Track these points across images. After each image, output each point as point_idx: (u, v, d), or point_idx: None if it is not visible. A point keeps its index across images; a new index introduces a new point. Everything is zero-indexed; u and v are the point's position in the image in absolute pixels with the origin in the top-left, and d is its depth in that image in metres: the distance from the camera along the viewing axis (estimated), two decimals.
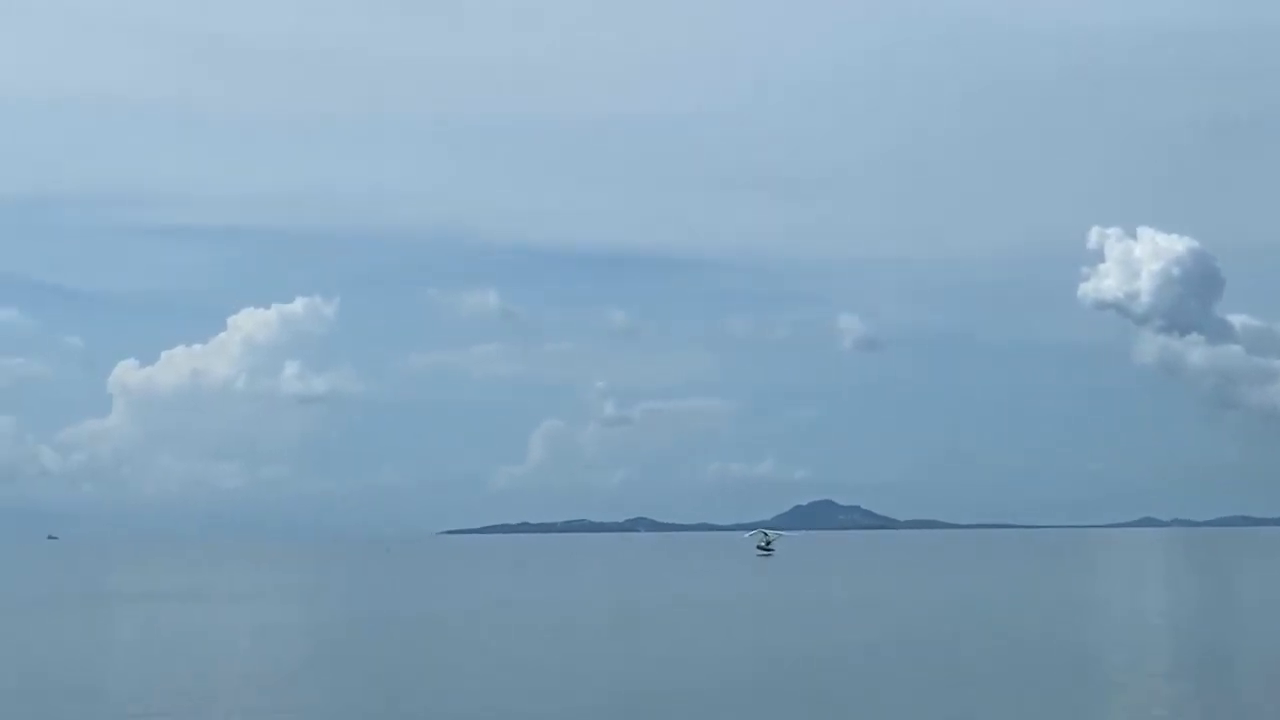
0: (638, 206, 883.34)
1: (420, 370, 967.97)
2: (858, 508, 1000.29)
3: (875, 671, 62.18)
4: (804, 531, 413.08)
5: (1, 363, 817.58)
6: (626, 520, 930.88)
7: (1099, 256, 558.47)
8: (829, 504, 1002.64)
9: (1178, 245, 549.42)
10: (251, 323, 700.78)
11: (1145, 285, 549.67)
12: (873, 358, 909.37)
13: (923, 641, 76.02)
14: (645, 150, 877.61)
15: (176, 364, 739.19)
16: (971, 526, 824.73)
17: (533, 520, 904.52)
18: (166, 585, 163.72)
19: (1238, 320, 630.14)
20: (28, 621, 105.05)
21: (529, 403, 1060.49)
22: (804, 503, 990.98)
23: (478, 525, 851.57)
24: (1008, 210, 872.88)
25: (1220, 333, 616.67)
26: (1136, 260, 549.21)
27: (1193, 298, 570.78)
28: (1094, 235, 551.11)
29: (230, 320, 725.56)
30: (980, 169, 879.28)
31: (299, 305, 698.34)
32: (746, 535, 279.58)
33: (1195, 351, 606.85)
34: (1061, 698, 52.31)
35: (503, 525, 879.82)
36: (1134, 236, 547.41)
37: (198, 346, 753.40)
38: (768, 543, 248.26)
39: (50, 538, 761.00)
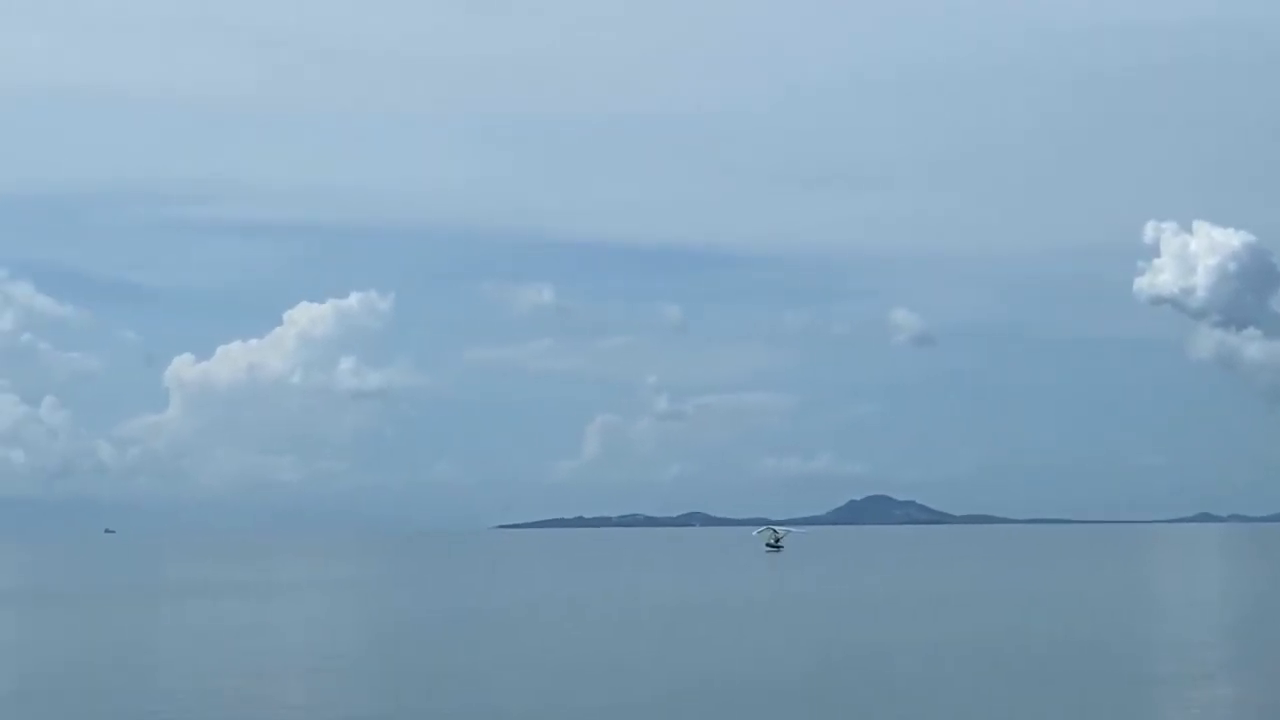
0: (692, 201, 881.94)
1: (475, 365, 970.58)
2: (913, 503, 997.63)
3: (936, 667, 61.78)
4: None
5: (58, 357, 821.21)
6: (681, 515, 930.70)
7: (1155, 251, 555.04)
8: (884, 499, 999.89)
9: (1234, 239, 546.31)
10: (307, 318, 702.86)
11: (1201, 280, 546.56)
12: (928, 353, 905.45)
13: (981, 637, 75.61)
14: (700, 145, 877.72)
15: (233, 359, 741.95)
16: (1027, 521, 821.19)
17: (588, 515, 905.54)
18: (223, 578, 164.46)
19: None
20: (86, 614, 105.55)
21: (583, 397, 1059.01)
22: (859, 498, 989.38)
23: (533, 520, 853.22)
24: (1063, 204, 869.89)
25: (1277, 327, 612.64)
26: (1192, 255, 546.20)
27: (1249, 292, 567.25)
28: (1150, 229, 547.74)
29: (286, 315, 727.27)
30: (1035, 163, 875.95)
31: (354, 300, 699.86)
32: (755, 533, 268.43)
33: (1252, 346, 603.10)
34: (1123, 695, 51.87)
35: (558, 520, 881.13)
36: (1190, 231, 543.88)
37: (254, 341, 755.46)
38: (776, 540, 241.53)
39: (107, 531, 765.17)
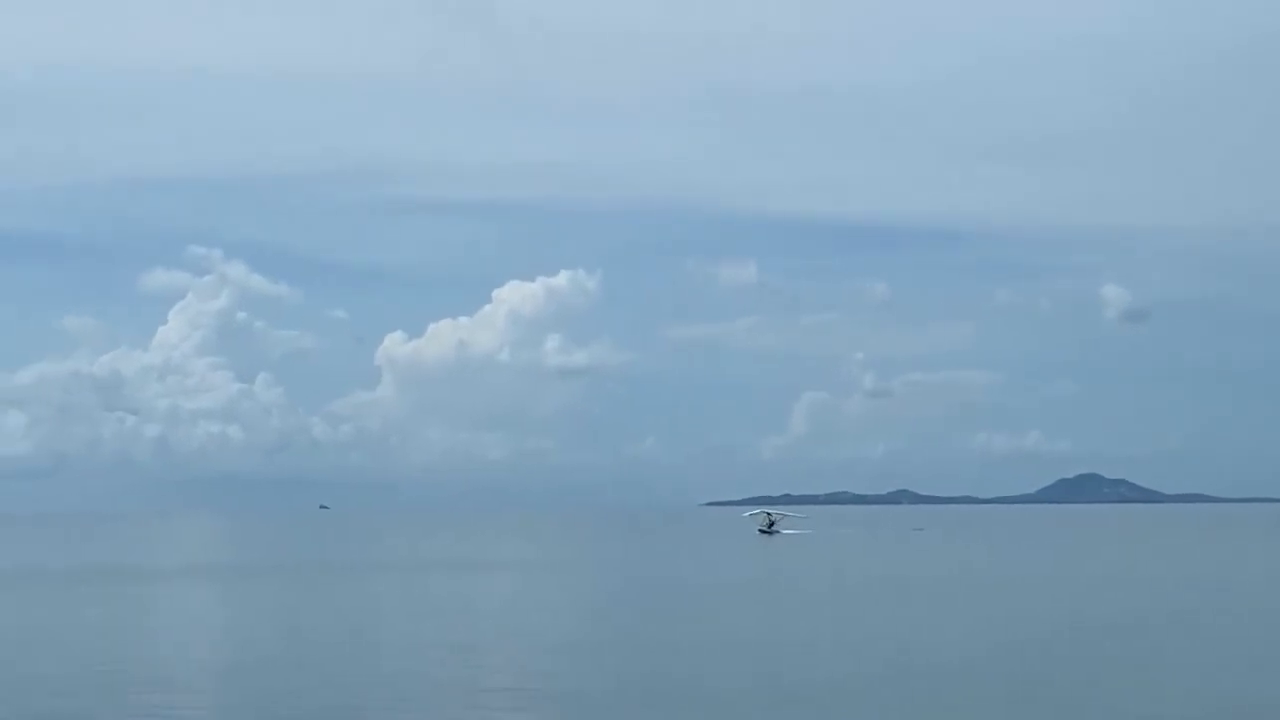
0: (897, 177, 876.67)
1: (681, 342, 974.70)
2: (1124, 481, 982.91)
3: (1149, 645, 61.20)
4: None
5: (273, 336, 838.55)
6: (889, 493, 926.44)
7: None
8: (1094, 477, 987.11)
9: None
10: (517, 296, 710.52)
11: None
12: (1139, 328, 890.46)
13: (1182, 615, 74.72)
14: (903, 119, 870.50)
15: (443, 336, 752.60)
16: (1241, 500, 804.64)
17: (795, 492, 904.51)
18: (436, 554, 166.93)
19: None
20: (307, 588, 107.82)
21: (789, 374, 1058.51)
22: (1069, 476, 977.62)
23: (740, 497, 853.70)
24: (1275, 174, 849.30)
25: None
26: None
27: None
28: None
29: (495, 293, 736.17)
30: (1247, 132, 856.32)
31: (563, 278, 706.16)
32: (746, 514, 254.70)
33: None
34: None
35: (764, 497, 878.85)
36: None
37: (463, 319, 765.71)
38: (770, 524, 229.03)
39: (322, 507, 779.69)
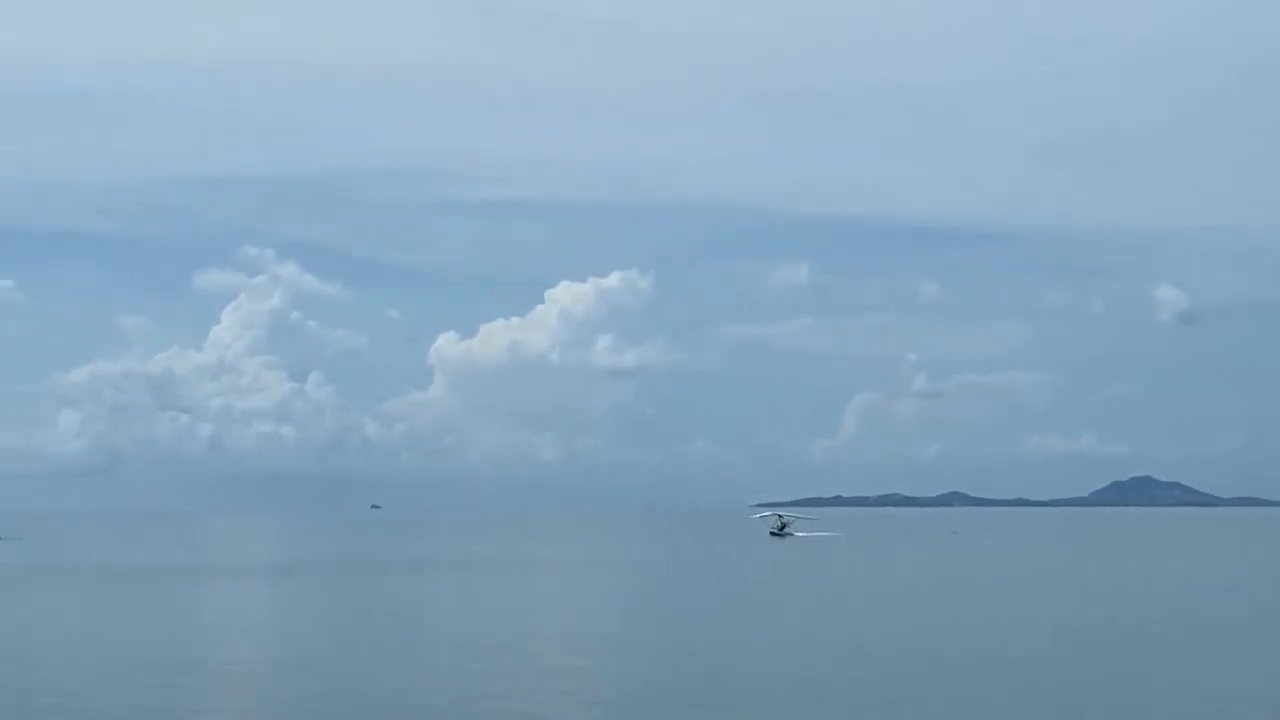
0: (947, 177, 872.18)
1: (732, 343, 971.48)
2: (1178, 484, 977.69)
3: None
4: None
5: (325, 335, 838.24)
6: (941, 495, 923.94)
7: None
8: (1149, 480, 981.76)
9: None
10: (568, 296, 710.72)
11: None
12: (1192, 330, 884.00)
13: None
14: (955, 119, 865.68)
15: (495, 337, 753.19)
16: None
17: (846, 494, 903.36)
18: (489, 553, 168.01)
19: None
20: (357, 586, 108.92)
21: (841, 376, 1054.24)
22: (1123, 479, 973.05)
23: (791, 499, 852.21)
24: None
25: None
26: None
27: None
28: None
29: (548, 293, 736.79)
30: None
31: (615, 278, 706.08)
32: (757, 516, 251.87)
33: None
34: None
35: (816, 499, 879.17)
36: None
37: (516, 319, 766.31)
38: (782, 526, 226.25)
39: (374, 507, 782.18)
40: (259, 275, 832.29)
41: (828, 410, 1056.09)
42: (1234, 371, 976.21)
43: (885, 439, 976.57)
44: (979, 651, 60.29)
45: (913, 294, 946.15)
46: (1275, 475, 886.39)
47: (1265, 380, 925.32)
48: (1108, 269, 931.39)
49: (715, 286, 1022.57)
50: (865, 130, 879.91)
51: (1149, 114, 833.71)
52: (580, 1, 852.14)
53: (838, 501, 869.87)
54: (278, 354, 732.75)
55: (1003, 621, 74.93)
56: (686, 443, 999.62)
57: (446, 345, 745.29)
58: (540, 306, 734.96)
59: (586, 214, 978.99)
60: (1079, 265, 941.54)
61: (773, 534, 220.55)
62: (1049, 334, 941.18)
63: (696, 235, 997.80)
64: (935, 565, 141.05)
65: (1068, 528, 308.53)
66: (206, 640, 67.29)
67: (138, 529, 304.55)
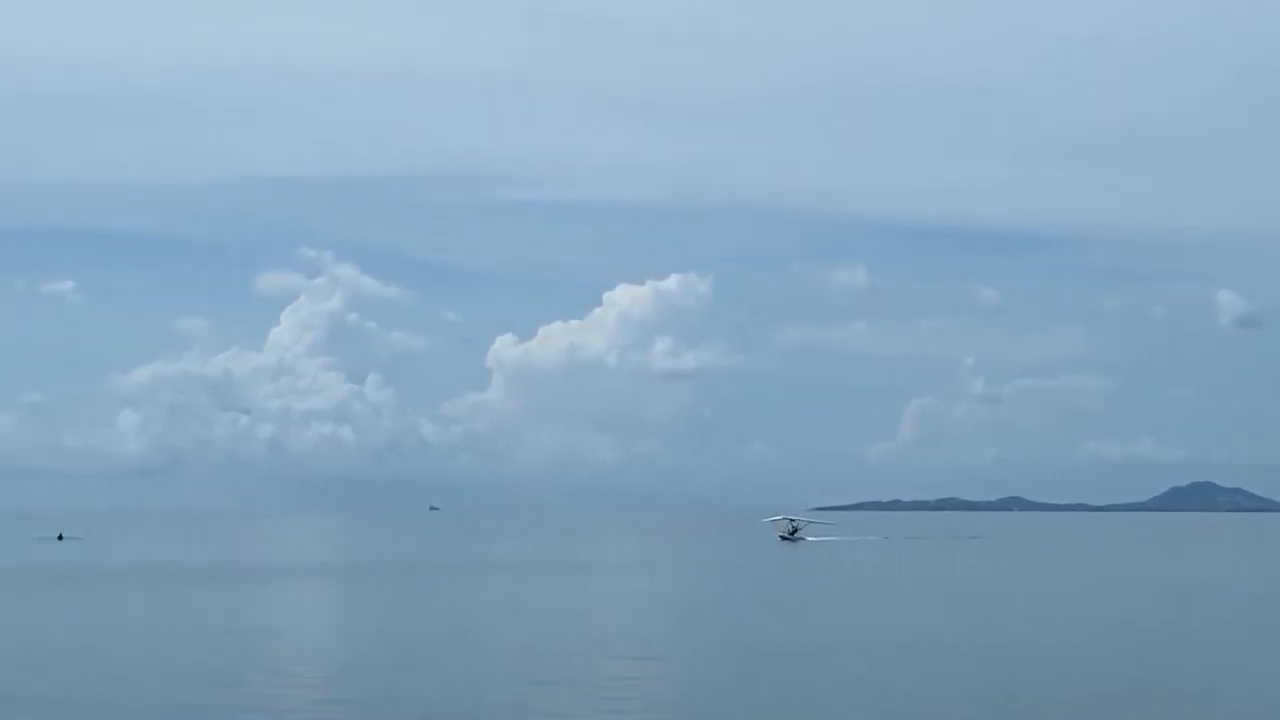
0: (1006, 181, 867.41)
1: (790, 346, 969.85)
2: (1239, 490, 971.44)
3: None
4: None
5: (384, 337, 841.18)
6: (999, 500, 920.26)
7: None
8: (1209, 486, 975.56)
9: None
10: (627, 299, 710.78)
11: None
12: (1253, 335, 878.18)
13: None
14: (1014, 121, 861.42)
15: (553, 339, 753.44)
16: None
17: (904, 498, 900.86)
18: (546, 555, 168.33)
19: None
20: (417, 587, 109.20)
21: (898, 379, 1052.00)
22: (1183, 484, 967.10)
23: (848, 502, 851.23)
24: None
25: None
26: None
27: None
28: None
29: (606, 296, 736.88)
30: None
31: (673, 281, 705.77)
32: (767, 520, 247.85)
33: None
34: None
35: (874, 503, 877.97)
36: None
37: (574, 322, 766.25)
38: (793, 531, 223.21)
39: (432, 508, 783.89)
40: (318, 277, 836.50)
41: (885, 414, 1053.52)
42: None
43: (943, 443, 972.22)
44: (1037, 655, 59.96)
45: (971, 298, 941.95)
46: None
47: None
48: (1166, 273, 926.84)
49: (773, 289, 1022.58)
50: (924, 133, 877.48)
51: (1208, 116, 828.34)
52: (636, 6, 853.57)
53: (896, 506, 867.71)
54: (336, 355, 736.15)
55: (1063, 624, 74.50)
56: (744, 446, 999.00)
57: (504, 347, 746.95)
58: (598, 309, 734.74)
59: (645, 217, 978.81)
60: (1138, 270, 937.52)
61: (783, 538, 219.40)
62: (1107, 338, 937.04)
63: (755, 238, 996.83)
64: (990, 570, 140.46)
65: (1129, 532, 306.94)
66: (266, 641, 67.48)
67: (197, 529, 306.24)
